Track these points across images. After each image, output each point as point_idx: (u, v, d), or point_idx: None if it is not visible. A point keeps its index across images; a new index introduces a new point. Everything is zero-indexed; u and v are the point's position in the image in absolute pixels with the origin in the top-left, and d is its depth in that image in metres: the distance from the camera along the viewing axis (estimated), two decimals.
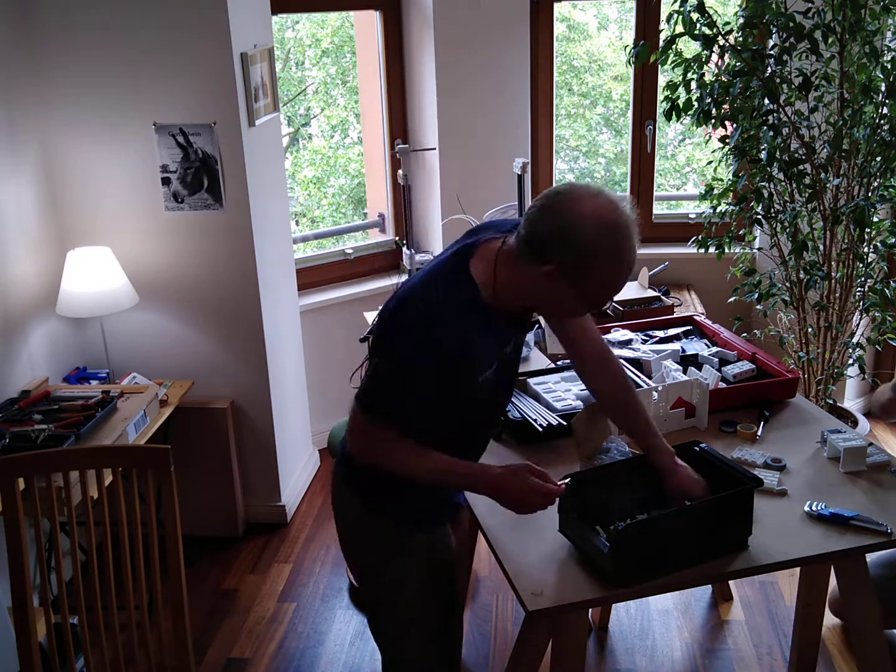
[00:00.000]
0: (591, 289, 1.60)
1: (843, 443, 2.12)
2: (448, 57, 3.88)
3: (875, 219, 3.30)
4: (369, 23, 4.09)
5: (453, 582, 1.97)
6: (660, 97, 3.88)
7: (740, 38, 3.22)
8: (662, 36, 3.28)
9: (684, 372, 2.47)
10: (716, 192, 3.50)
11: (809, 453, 2.20)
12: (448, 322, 1.61)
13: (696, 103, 3.30)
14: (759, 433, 2.29)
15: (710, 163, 3.63)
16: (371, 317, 3.20)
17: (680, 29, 3.17)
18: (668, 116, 3.36)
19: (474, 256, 1.68)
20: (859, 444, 2.10)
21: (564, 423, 2.24)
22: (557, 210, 1.56)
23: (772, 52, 3.20)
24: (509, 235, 1.67)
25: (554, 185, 4.41)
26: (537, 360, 2.87)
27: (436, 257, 1.79)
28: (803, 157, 3.25)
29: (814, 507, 1.94)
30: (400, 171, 3.35)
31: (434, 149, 4.00)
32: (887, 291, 3.27)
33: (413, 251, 3.58)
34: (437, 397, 1.67)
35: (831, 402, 3.60)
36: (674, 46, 3.21)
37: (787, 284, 3.54)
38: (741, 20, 3.21)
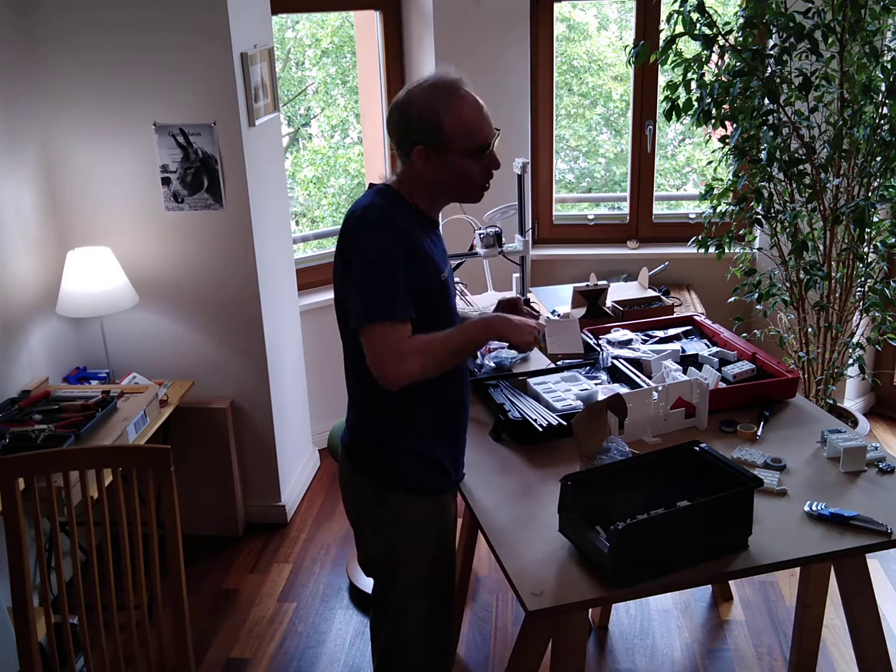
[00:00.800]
0: (457, 140, 1.76)
1: (843, 443, 2.12)
2: (448, 57, 3.88)
3: (875, 219, 3.30)
4: (369, 23, 4.09)
5: (454, 557, 2.06)
6: (660, 97, 3.89)
7: (740, 38, 3.22)
8: (662, 36, 3.28)
9: (684, 372, 2.47)
10: (716, 192, 3.50)
11: (809, 453, 2.19)
12: (401, 221, 1.77)
13: (696, 103, 3.30)
14: (759, 433, 2.29)
15: (710, 163, 3.63)
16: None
17: (680, 29, 3.17)
18: (668, 116, 3.36)
19: (381, 187, 1.87)
20: (859, 444, 2.10)
21: (564, 423, 2.24)
22: (397, 105, 1.81)
23: (772, 52, 3.20)
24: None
25: (554, 185, 4.43)
26: (537, 360, 2.86)
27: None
28: (803, 157, 3.25)
29: (814, 507, 1.94)
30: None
31: None
32: (887, 291, 3.27)
33: None
34: (416, 291, 1.76)
35: (831, 402, 3.60)
36: (674, 46, 3.21)
37: (787, 284, 3.54)
38: (741, 20, 3.21)
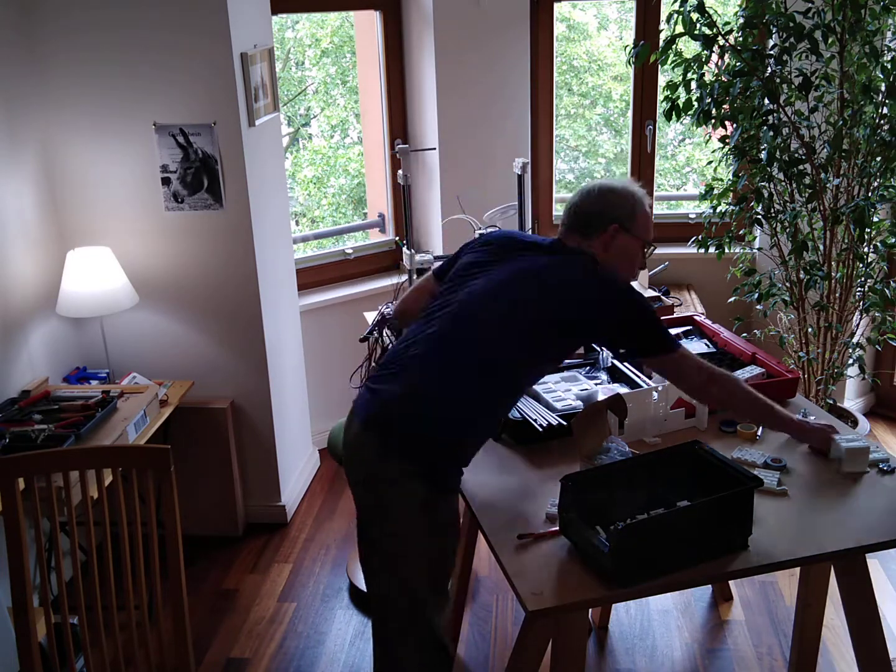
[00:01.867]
0: (641, 230, 2.11)
1: (846, 443, 2.12)
2: (448, 57, 3.88)
3: (875, 219, 3.29)
4: (369, 23, 4.09)
5: (454, 551, 2.07)
6: (660, 97, 3.88)
7: (740, 38, 3.22)
8: (662, 36, 3.28)
9: None
10: (716, 192, 3.50)
11: (809, 453, 2.19)
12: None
13: (696, 103, 3.30)
14: (759, 433, 2.29)
15: (710, 163, 3.63)
16: (371, 317, 3.19)
17: (680, 29, 3.17)
18: (668, 116, 3.36)
19: (578, 254, 2.10)
20: (861, 445, 2.10)
21: (564, 423, 2.24)
22: (604, 192, 2.12)
23: (772, 52, 3.20)
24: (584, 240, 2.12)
25: (554, 184, 4.43)
26: None
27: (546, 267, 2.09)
28: (803, 157, 3.25)
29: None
30: (400, 171, 3.35)
31: (434, 149, 4.00)
32: (887, 291, 3.27)
33: (413, 251, 3.57)
34: None
35: (831, 402, 3.60)
36: (674, 46, 3.21)
37: (787, 284, 3.54)
38: (741, 20, 3.21)
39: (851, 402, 4.18)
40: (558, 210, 4.59)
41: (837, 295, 3.46)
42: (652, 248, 2.20)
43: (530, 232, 3.79)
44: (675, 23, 3.18)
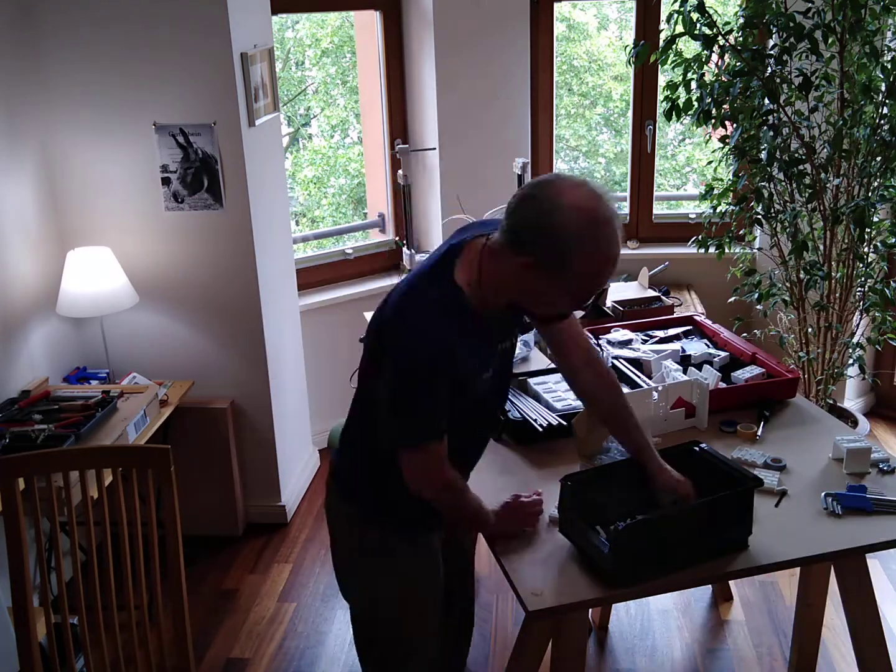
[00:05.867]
0: (571, 283, 1.57)
1: (847, 444, 2.12)
2: (448, 57, 3.88)
3: (875, 219, 3.29)
4: (369, 23, 4.09)
5: (435, 596, 1.98)
6: (660, 97, 3.88)
7: (740, 38, 3.21)
8: (662, 36, 3.28)
9: (684, 372, 2.47)
10: (716, 192, 3.50)
11: (809, 453, 2.19)
12: (450, 338, 1.60)
13: (696, 103, 3.30)
14: (759, 433, 2.29)
15: (710, 163, 3.63)
16: (371, 317, 3.20)
17: (680, 29, 3.17)
18: (668, 116, 3.36)
19: (460, 257, 1.67)
20: (863, 446, 2.10)
21: (564, 423, 2.24)
22: (538, 200, 1.54)
23: (772, 52, 3.20)
24: (494, 232, 1.65)
25: None
26: (537, 360, 2.87)
27: (425, 260, 1.80)
28: (803, 157, 3.25)
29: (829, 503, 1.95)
30: (400, 171, 3.35)
31: (434, 149, 4.00)
32: (887, 291, 3.27)
33: (413, 251, 3.59)
34: (450, 402, 1.66)
35: (831, 402, 3.60)
36: (674, 46, 3.21)
37: (787, 284, 3.54)
38: (741, 20, 3.21)
39: (851, 402, 4.18)
40: None
41: (837, 295, 3.46)
42: (590, 304, 1.75)
43: None
44: (675, 23, 3.18)
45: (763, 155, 3.25)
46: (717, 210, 3.52)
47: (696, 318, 2.92)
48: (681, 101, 3.32)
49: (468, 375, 1.67)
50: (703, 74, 3.27)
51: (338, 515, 1.97)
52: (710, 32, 3.15)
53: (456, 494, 1.79)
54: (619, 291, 3.60)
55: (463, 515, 1.86)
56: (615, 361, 2.59)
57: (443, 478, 1.73)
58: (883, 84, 3.13)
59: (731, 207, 3.48)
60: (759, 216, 3.44)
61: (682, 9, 3.12)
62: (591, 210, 1.52)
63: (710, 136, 3.55)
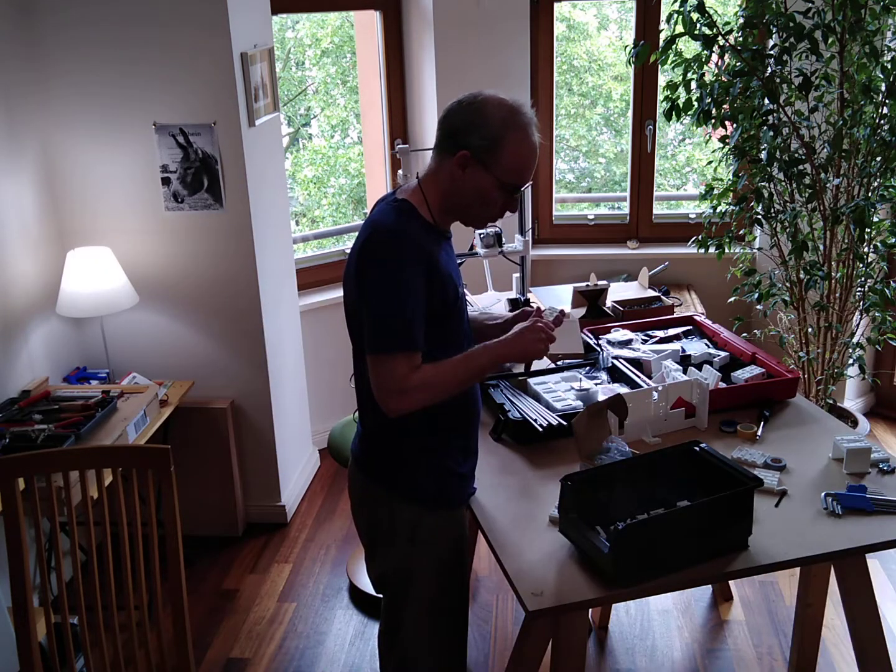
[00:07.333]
0: (502, 169, 1.74)
1: (847, 444, 2.12)
2: (448, 57, 3.88)
3: (875, 219, 3.29)
4: (369, 23, 4.09)
5: (466, 571, 2.03)
6: (660, 97, 3.89)
7: (740, 38, 3.22)
8: (662, 36, 3.28)
9: (684, 372, 2.47)
10: (716, 192, 3.50)
11: (809, 453, 2.19)
12: (412, 238, 1.74)
13: (696, 103, 3.30)
14: (759, 433, 2.29)
15: (710, 163, 3.63)
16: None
17: (680, 29, 3.17)
18: (668, 116, 3.36)
19: (398, 197, 1.83)
20: (863, 446, 2.10)
21: (564, 423, 2.24)
22: (463, 104, 1.76)
23: (772, 52, 3.20)
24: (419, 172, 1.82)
25: (554, 185, 4.43)
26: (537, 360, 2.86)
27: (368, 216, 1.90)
28: (803, 157, 3.25)
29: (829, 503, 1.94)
30: (400, 171, 3.35)
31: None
32: (887, 291, 3.27)
33: None
34: (432, 313, 1.76)
35: (831, 402, 3.60)
36: (674, 46, 3.21)
37: (787, 284, 3.54)
38: (741, 20, 3.21)
39: (851, 402, 4.18)
40: (559, 210, 4.59)
41: (837, 295, 3.46)
42: (525, 187, 1.87)
43: (530, 231, 3.78)
44: (675, 23, 3.18)
45: (763, 155, 3.26)
46: (717, 210, 3.52)
47: (696, 318, 2.92)
48: (681, 101, 3.32)
49: (444, 279, 1.78)
50: (703, 74, 3.27)
51: (365, 500, 1.98)
52: (710, 32, 3.15)
53: (432, 382, 1.75)
54: (619, 291, 3.60)
55: (461, 378, 1.81)
56: (615, 361, 2.59)
57: (410, 384, 1.73)
58: (883, 84, 3.14)
59: (731, 207, 3.48)
60: (759, 216, 3.44)
61: (682, 9, 3.12)
62: (512, 103, 1.76)
63: (710, 136, 3.55)
